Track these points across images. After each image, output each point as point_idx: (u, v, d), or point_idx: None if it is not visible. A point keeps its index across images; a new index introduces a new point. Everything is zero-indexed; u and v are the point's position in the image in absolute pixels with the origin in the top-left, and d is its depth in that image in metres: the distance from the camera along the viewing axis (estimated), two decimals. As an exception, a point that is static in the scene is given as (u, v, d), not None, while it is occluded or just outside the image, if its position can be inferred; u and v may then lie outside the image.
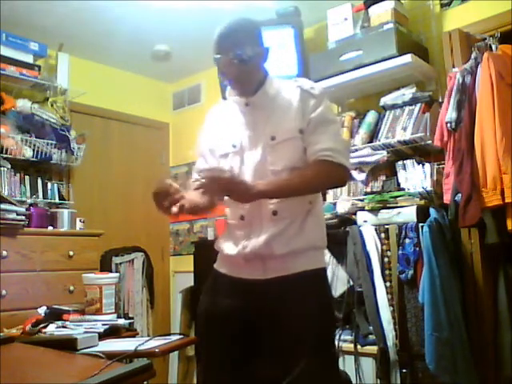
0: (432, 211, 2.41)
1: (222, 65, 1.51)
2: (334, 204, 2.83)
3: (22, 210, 2.88)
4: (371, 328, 2.47)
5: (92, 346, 1.68)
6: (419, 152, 2.67)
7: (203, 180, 1.33)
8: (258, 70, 1.56)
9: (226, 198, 1.51)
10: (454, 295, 2.28)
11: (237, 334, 1.50)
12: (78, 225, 3.28)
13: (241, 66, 1.48)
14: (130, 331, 2.30)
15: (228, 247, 1.56)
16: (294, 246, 1.48)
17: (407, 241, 2.43)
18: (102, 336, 1.90)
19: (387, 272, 2.50)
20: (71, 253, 3.03)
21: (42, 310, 2.35)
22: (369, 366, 2.45)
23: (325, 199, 2.91)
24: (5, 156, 3.10)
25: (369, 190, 2.76)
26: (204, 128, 1.70)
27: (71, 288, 2.95)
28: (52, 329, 2.11)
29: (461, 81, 2.36)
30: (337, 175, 1.51)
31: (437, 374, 2.22)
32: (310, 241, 1.51)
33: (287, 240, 1.47)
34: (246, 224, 1.51)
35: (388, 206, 2.58)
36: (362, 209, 2.66)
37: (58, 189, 3.44)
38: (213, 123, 1.68)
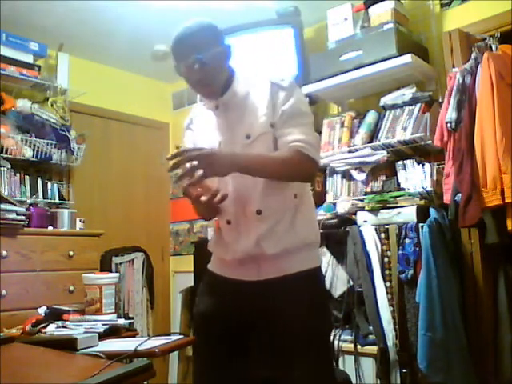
0: (432, 211, 2.41)
1: (184, 70, 1.47)
2: (334, 204, 2.83)
3: (22, 210, 2.88)
4: (371, 328, 2.47)
5: (92, 346, 1.68)
6: (419, 152, 2.67)
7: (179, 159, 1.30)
8: (222, 70, 1.52)
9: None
10: (452, 296, 2.28)
11: (232, 335, 1.50)
12: (78, 225, 3.28)
13: (202, 68, 1.44)
14: (130, 331, 2.29)
15: (220, 251, 1.56)
16: (286, 244, 1.45)
17: (407, 241, 2.43)
18: (102, 336, 1.90)
19: (387, 272, 2.50)
20: (71, 253, 3.03)
21: (42, 310, 2.35)
22: (369, 366, 2.45)
23: (325, 199, 2.92)
24: (5, 156, 3.10)
25: (369, 189, 2.76)
26: (184, 138, 1.69)
27: (71, 288, 2.95)
28: (52, 329, 2.10)
29: (461, 81, 2.36)
30: (307, 168, 1.46)
31: (428, 374, 2.22)
32: (301, 238, 1.48)
33: (277, 239, 1.45)
34: (232, 228, 1.50)
35: (388, 206, 2.57)
36: (362, 209, 2.66)
37: (58, 189, 3.44)
38: (190, 132, 1.67)
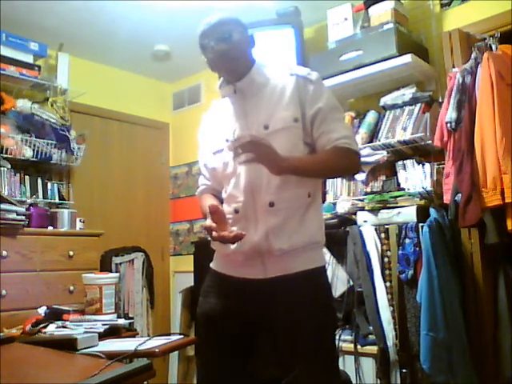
0: (432, 211, 2.41)
1: (210, 50, 1.51)
2: (334, 204, 2.83)
3: (22, 210, 2.88)
4: (371, 328, 2.47)
5: (92, 346, 1.68)
6: (419, 152, 2.67)
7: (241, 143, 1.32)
8: (245, 54, 1.55)
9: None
10: (452, 295, 2.28)
11: (237, 335, 1.49)
12: (78, 225, 3.28)
13: (227, 45, 1.49)
14: (130, 331, 2.30)
15: (225, 246, 1.50)
16: (295, 241, 1.45)
17: (407, 241, 2.44)
18: (102, 336, 1.90)
19: (387, 272, 2.50)
20: (71, 253, 3.03)
21: (42, 310, 2.36)
22: (369, 365, 2.45)
23: (325, 199, 2.92)
24: (5, 156, 3.10)
25: (369, 190, 2.76)
26: (200, 137, 1.69)
27: (71, 288, 2.96)
28: (52, 329, 2.11)
29: (461, 81, 2.36)
30: (354, 162, 1.53)
31: (431, 374, 2.22)
32: (309, 236, 1.48)
33: (287, 235, 1.44)
34: (240, 217, 1.48)
35: (388, 206, 2.57)
36: (362, 209, 2.66)
37: (58, 189, 3.44)
38: (207, 128, 1.67)
